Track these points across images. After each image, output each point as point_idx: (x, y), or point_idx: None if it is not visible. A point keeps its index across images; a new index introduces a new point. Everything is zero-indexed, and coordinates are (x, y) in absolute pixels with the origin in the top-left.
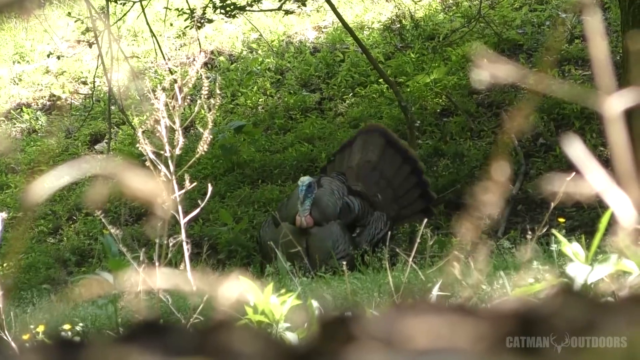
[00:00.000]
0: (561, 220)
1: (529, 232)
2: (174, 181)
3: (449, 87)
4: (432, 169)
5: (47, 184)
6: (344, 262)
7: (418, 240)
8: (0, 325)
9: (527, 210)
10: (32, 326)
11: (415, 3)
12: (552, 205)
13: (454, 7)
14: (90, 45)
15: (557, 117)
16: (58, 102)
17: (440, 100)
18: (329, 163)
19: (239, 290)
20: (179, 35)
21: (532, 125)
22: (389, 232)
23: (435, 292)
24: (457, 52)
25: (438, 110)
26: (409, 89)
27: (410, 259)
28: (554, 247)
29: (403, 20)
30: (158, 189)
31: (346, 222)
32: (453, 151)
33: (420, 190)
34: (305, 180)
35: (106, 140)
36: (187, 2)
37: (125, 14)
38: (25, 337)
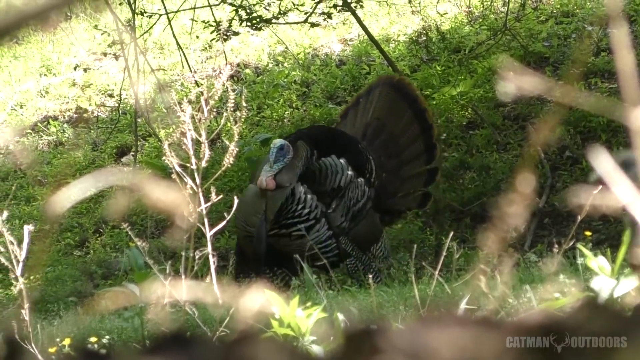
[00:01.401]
0: (588, 233)
1: (556, 246)
2: (200, 194)
3: (475, 99)
4: (458, 181)
5: (69, 195)
6: (311, 227)
7: (444, 253)
8: (27, 337)
9: (553, 223)
10: (58, 339)
11: (441, 16)
12: (579, 218)
13: (480, 20)
14: (116, 57)
15: (584, 130)
16: (84, 115)
17: (466, 113)
18: (339, 124)
19: (263, 303)
20: (205, 48)
21: (559, 138)
22: (368, 206)
23: (461, 305)
24: (483, 65)
25: (464, 123)
26: (434, 102)
27: (436, 272)
28: (580, 260)
29: (429, 33)
30: (183, 201)
31: (315, 189)
32: (479, 164)
33: (425, 163)
34: (277, 142)
35: (132, 153)
36: (213, 14)
37: (151, 27)
38: (52, 349)
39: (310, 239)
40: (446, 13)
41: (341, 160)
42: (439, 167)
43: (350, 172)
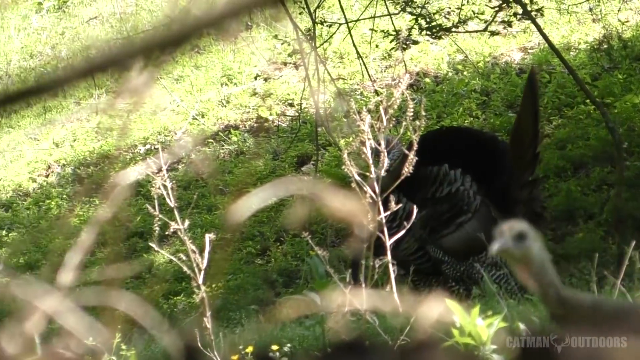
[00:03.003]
0: None
1: None
2: (380, 202)
3: None
4: None
5: (250, 204)
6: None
7: (626, 262)
8: (209, 345)
9: None
10: (240, 347)
11: (623, 24)
12: None
13: None
14: (296, 67)
15: None
16: (265, 124)
17: None
18: None
19: (443, 312)
20: (385, 57)
21: None
22: (460, 219)
23: None
24: None
25: None
26: (616, 110)
27: (619, 282)
28: None
29: (610, 41)
30: (363, 210)
31: (409, 196)
32: None
33: (530, 174)
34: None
35: (313, 162)
36: (392, 23)
37: (331, 36)
38: (234, 357)
39: (401, 249)
40: (628, 21)
41: (453, 172)
42: (538, 179)
43: (457, 185)
